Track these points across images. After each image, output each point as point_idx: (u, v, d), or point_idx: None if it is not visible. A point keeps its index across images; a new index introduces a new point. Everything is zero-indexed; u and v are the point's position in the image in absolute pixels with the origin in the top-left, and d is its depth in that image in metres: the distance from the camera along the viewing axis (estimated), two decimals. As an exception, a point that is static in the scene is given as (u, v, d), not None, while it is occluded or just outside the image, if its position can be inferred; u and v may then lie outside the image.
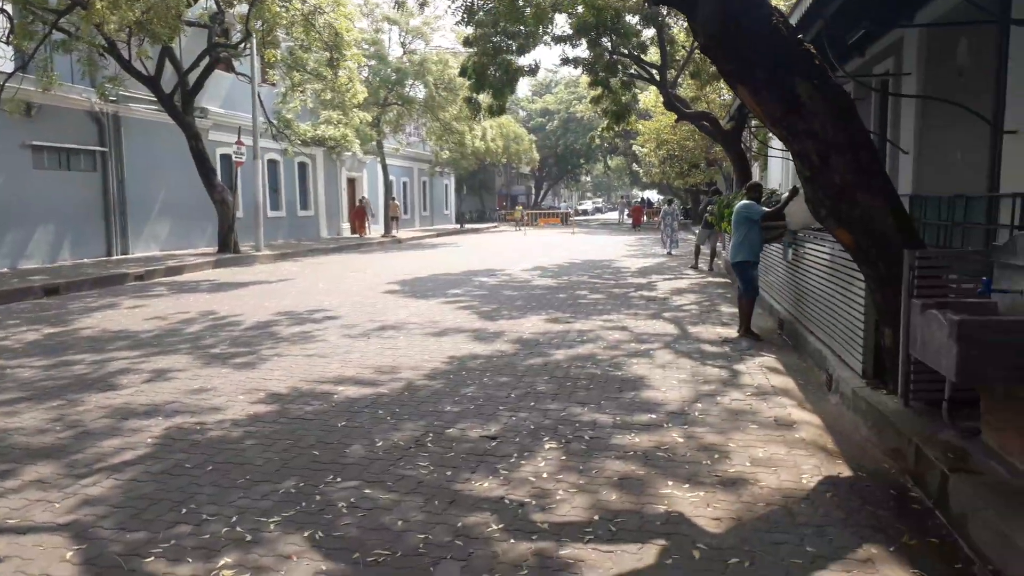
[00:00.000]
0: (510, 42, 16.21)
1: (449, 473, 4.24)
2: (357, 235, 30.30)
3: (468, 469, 4.30)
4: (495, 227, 45.29)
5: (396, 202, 34.81)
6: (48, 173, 17.09)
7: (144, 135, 19.66)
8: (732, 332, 8.55)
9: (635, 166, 39.10)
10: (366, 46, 27.41)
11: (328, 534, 3.45)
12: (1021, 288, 3.96)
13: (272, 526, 3.54)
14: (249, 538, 3.41)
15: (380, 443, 4.76)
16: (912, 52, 9.76)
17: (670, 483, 4.07)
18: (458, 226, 43.86)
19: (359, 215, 30.55)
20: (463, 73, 16.85)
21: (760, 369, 6.77)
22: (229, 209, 19.45)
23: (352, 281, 14.35)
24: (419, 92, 29.68)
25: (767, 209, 8.38)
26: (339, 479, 4.16)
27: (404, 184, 39.37)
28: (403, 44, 30.60)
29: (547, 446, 4.70)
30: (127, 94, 18.53)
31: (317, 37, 17.17)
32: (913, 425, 4.52)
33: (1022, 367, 3.54)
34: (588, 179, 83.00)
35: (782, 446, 4.67)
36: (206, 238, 21.66)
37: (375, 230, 32.45)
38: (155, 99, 18.13)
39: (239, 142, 20.25)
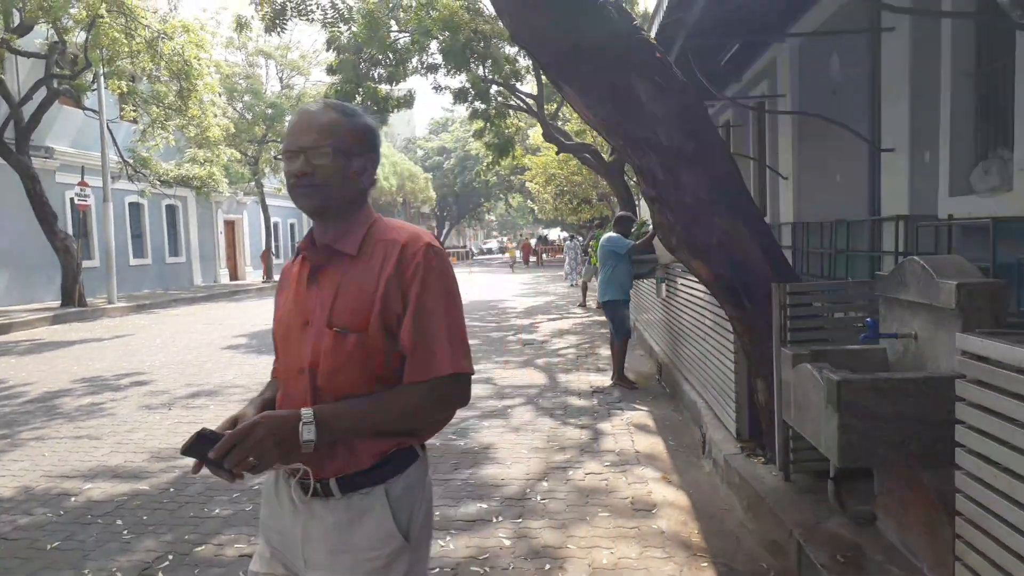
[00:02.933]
0: (379, 71, 15.13)
1: (162, 626, 2.95)
2: (264, 278, 29.28)
3: (193, 616, 3.02)
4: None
5: None
6: None
7: (-28, 177, 17.40)
8: (606, 380, 7.57)
9: (530, 203, 38.60)
10: (239, 80, 25.82)
11: None
12: (913, 331, 3.04)
13: None
14: None
15: (87, 577, 3.41)
16: (785, 72, 9.24)
17: (473, 620, 2.92)
18: (353, 269, 42.08)
19: (264, 259, 29.10)
20: (326, 103, 15.60)
21: (627, 428, 5.74)
22: (73, 258, 17.33)
23: (196, 335, 12.68)
24: (301, 129, 28.08)
25: (633, 242, 7.46)
26: (-17, 652, 2.80)
27: (292, 226, 37.39)
28: (281, 79, 29.11)
29: (325, 565, 3.45)
30: (-52, 131, 16.34)
31: (165, 66, 15.55)
32: (795, 510, 3.53)
33: (925, 444, 2.57)
34: (492, 218, 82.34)
35: (634, 544, 3.59)
36: (53, 291, 19.33)
37: (254, 276, 30.65)
38: (-19, 136, 16.03)
39: (82, 183, 18.26)
